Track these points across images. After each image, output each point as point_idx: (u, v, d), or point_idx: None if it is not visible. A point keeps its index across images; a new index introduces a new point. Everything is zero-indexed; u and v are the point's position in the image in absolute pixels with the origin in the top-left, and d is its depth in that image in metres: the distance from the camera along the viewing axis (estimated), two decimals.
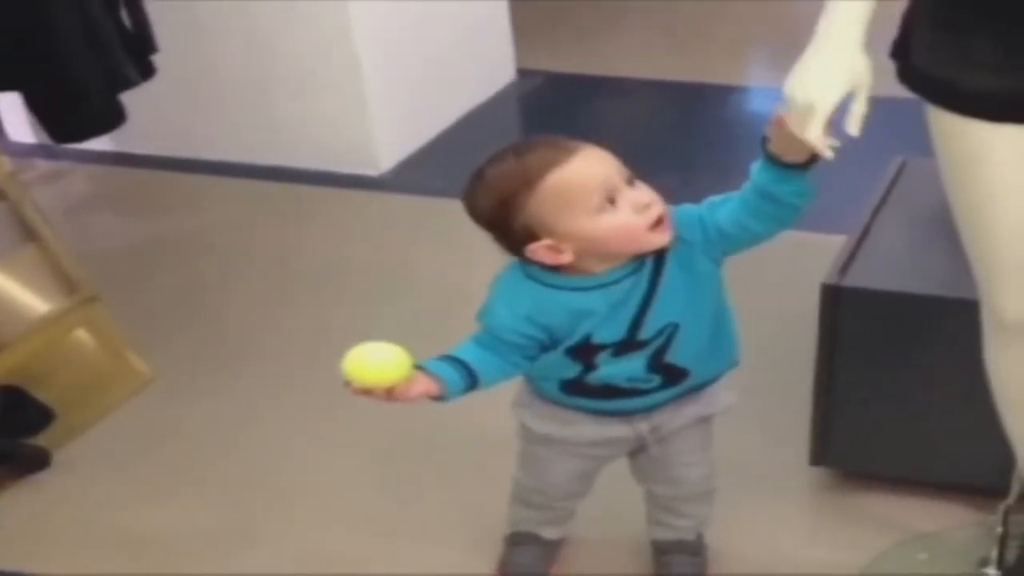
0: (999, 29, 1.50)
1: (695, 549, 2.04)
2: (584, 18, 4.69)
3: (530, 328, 1.73)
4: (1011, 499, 1.94)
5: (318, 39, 3.47)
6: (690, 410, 1.85)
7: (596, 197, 1.64)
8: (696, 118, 3.91)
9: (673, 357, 1.75)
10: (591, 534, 2.12)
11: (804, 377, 2.14)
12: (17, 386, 2.48)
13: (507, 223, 1.67)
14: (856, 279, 2.07)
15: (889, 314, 2.05)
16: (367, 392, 1.67)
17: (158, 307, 2.96)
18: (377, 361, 1.66)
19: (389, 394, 1.68)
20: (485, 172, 1.69)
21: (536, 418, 1.87)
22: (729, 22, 4.61)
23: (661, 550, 2.04)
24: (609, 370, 1.75)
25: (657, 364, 1.75)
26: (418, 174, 3.59)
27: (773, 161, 1.62)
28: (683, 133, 3.80)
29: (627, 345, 1.73)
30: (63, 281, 2.55)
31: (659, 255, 1.69)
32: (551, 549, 2.08)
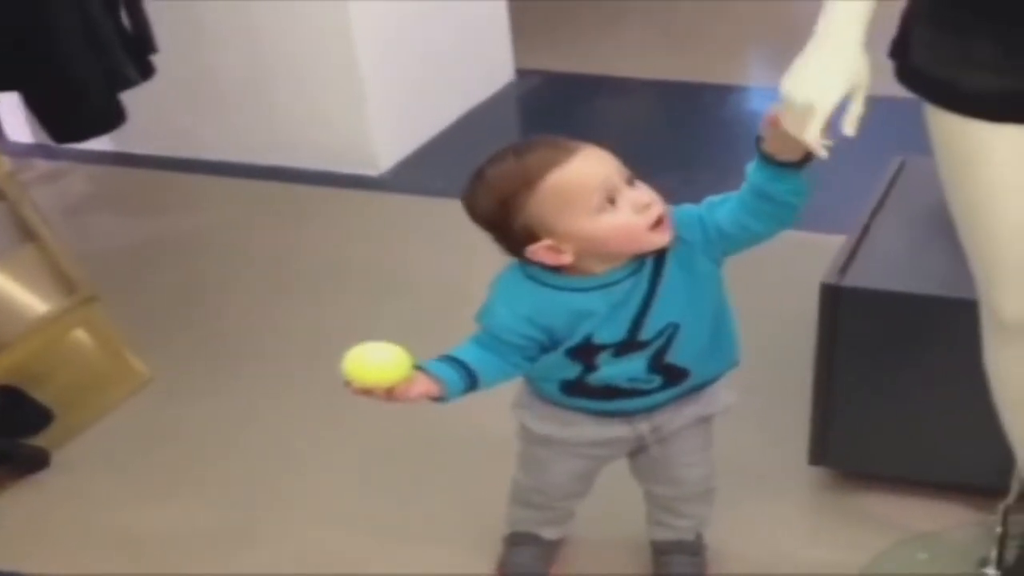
0: (999, 29, 1.50)
1: (694, 549, 2.03)
2: (583, 18, 4.69)
3: (530, 329, 1.73)
4: (1011, 499, 1.94)
5: (317, 39, 3.48)
6: (690, 410, 1.85)
7: (596, 197, 1.64)
8: (695, 118, 3.91)
9: (674, 357, 1.75)
10: (591, 534, 2.12)
11: (804, 377, 2.14)
12: (16, 386, 2.48)
13: (507, 223, 1.67)
14: (855, 279, 2.07)
15: (888, 314, 2.05)
16: (367, 392, 1.67)
17: (157, 307, 2.96)
18: (377, 361, 1.66)
19: (389, 394, 1.68)
20: (485, 172, 1.69)
21: (536, 419, 1.87)
22: (728, 22, 4.61)
23: (661, 550, 2.04)
24: (610, 371, 1.75)
25: (658, 364, 1.75)
26: (417, 174, 3.59)
27: (768, 160, 1.62)
28: (682, 133, 3.81)
29: (628, 345, 1.73)
30: (62, 281, 2.54)
31: (659, 255, 1.69)
32: (550, 549, 2.07)
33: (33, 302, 2.54)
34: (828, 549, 2.11)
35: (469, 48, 3.92)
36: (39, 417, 2.46)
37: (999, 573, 1.97)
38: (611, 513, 2.11)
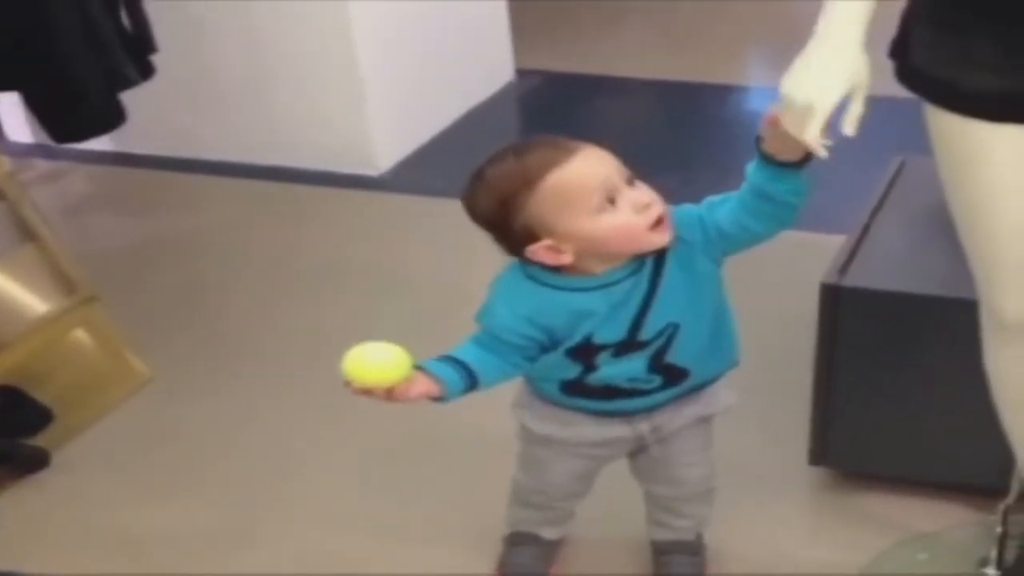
0: (999, 29, 1.50)
1: (694, 549, 2.03)
2: (583, 18, 4.69)
3: (530, 329, 1.73)
4: (1011, 499, 1.94)
5: (317, 39, 3.48)
6: (690, 410, 1.85)
7: (596, 197, 1.64)
8: (695, 118, 3.91)
9: (674, 357, 1.75)
10: (590, 534, 2.12)
11: (804, 377, 2.14)
12: (16, 386, 2.48)
13: (507, 223, 1.67)
14: (855, 279, 2.07)
15: (888, 314, 2.05)
16: (367, 392, 1.67)
17: (157, 307, 2.96)
18: (377, 361, 1.66)
19: (389, 394, 1.67)
20: (485, 172, 1.69)
21: (536, 419, 1.87)
22: (728, 22, 4.61)
23: (660, 550, 2.04)
24: (610, 371, 1.75)
25: (658, 364, 1.75)
26: (417, 174, 3.59)
27: (767, 160, 1.62)
28: (682, 133, 3.81)
29: (628, 346, 1.73)
30: (62, 281, 2.54)
31: (659, 255, 1.69)
32: (550, 549, 2.07)
33: (33, 302, 2.54)
34: (828, 549, 2.11)
35: (469, 48, 3.92)
36: (39, 417, 2.46)
37: (999, 573, 1.97)
38: (611, 513, 2.11)
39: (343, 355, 1.65)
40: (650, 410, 1.82)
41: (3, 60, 2.54)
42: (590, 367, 1.75)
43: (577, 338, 1.71)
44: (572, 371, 1.76)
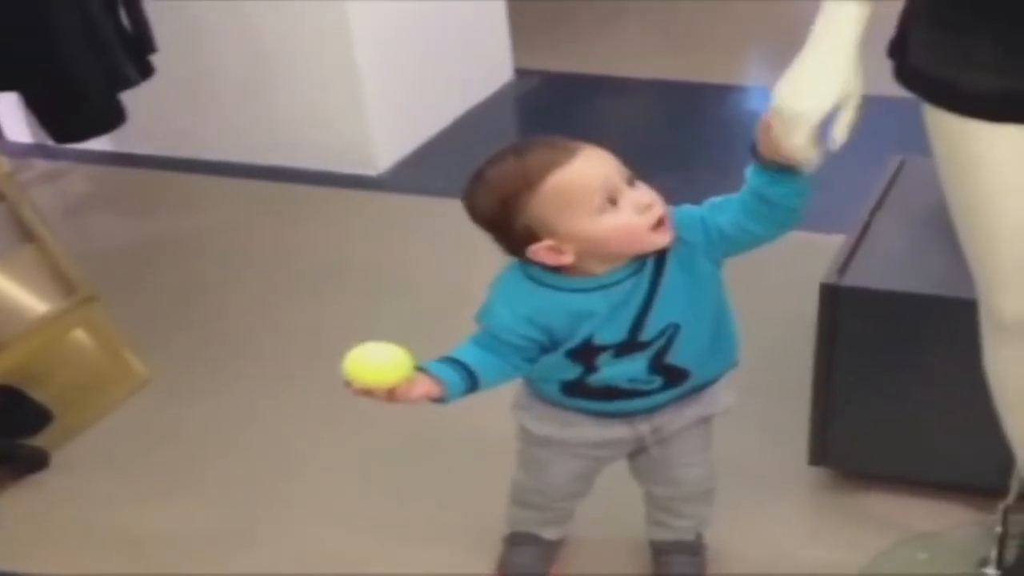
0: (999, 29, 1.50)
1: (694, 549, 2.03)
2: (582, 18, 4.69)
3: (530, 329, 1.73)
4: (1010, 499, 1.94)
5: (316, 39, 3.47)
6: (691, 411, 1.85)
7: (597, 198, 1.63)
8: (695, 117, 3.91)
9: (674, 358, 1.75)
10: (590, 534, 2.12)
11: (803, 377, 2.14)
12: (15, 387, 2.47)
13: (508, 224, 1.67)
14: (855, 279, 2.07)
15: (888, 314, 2.05)
16: (368, 393, 1.67)
17: (157, 307, 2.96)
18: (378, 362, 1.65)
19: (390, 395, 1.67)
20: (485, 173, 1.68)
21: (536, 420, 1.87)
22: (727, 21, 4.61)
23: (660, 550, 2.04)
24: (610, 372, 1.75)
25: (658, 365, 1.75)
26: (416, 174, 3.59)
27: (763, 164, 1.62)
28: (682, 133, 3.80)
29: (628, 346, 1.72)
30: (61, 281, 2.54)
31: (660, 256, 1.69)
32: (550, 549, 2.07)
33: (32, 302, 2.53)
34: (828, 549, 2.11)
35: (468, 48, 3.92)
36: (38, 417, 2.46)
37: (999, 573, 1.97)
38: (611, 513, 2.11)
39: (343, 355, 1.65)
40: (650, 411, 1.82)
41: (3, 60, 2.54)
42: (590, 368, 1.75)
43: (578, 339, 1.71)
44: (572, 372, 1.76)
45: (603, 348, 1.72)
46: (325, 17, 3.42)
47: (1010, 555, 1.97)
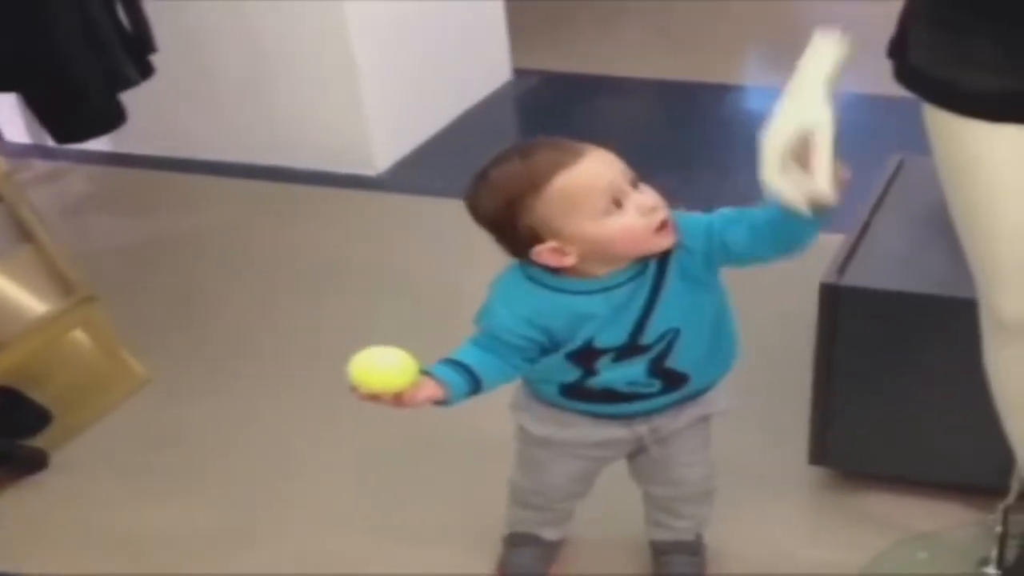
0: (999, 29, 1.50)
1: (694, 549, 2.03)
2: (580, 18, 4.69)
3: (529, 330, 1.72)
4: (1011, 498, 1.94)
5: (314, 39, 3.47)
6: (688, 412, 1.85)
7: (602, 200, 1.63)
8: (693, 117, 3.91)
9: (674, 362, 1.75)
10: (590, 534, 2.12)
11: (803, 377, 2.14)
12: (14, 387, 2.47)
13: (511, 225, 1.66)
14: (854, 278, 2.07)
15: (888, 313, 2.05)
16: (374, 398, 1.66)
17: (155, 307, 2.95)
18: (384, 366, 1.64)
19: (396, 400, 1.66)
20: (489, 173, 1.68)
21: (535, 420, 1.87)
22: (725, 21, 4.61)
23: (660, 550, 2.04)
24: (609, 375, 1.75)
25: (657, 369, 1.75)
26: (415, 174, 3.59)
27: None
28: (681, 133, 3.80)
29: (629, 350, 1.72)
30: (60, 282, 2.54)
31: (662, 261, 1.69)
32: (550, 550, 2.07)
33: (31, 303, 2.53)
34: (828, 549, 2.11)
35: (466, 48, 3.92)
36: (37, 418, 2.46)
37: (999, 573, 1.97)
38: (611, 513, 2.11)
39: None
40: (649, 414, 1.82)
41: (3, 60, 2.54)
42: (590, 371, 1.75)
43: (579, 342, 1.71)
44: (572, 374, 1.76)
45: (604, 351, 1.72)
46: (324, 17, 3.42)
47: (1010, 555, 1.97)
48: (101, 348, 2.62)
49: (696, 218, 1.71)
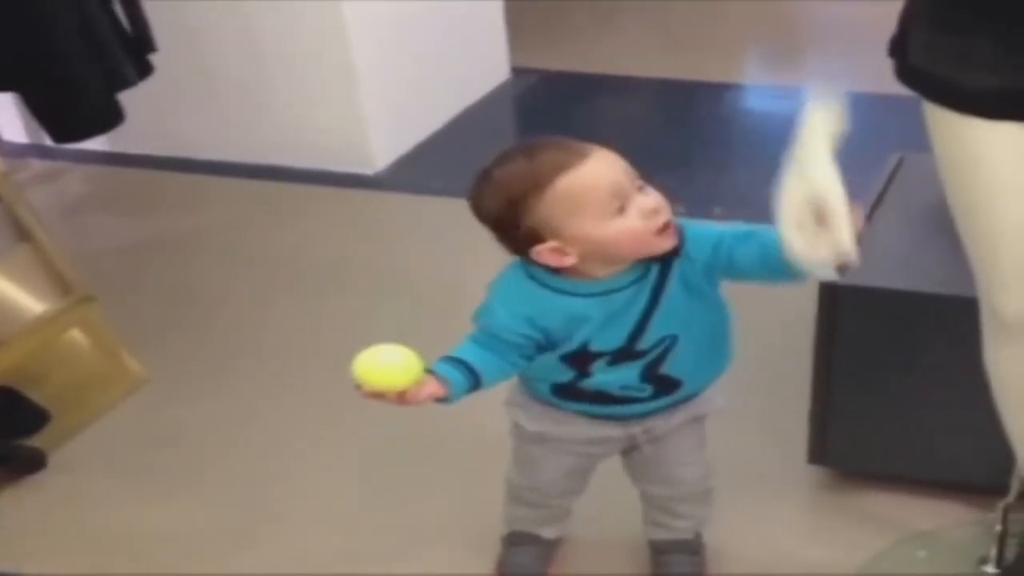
0: (999, 29, 1.50)
1: (693, 548, 2.03)
2: (579, 17, 4.69)
3: (528, 328, 1.72)
4: (1010, 497, 1.94)
5: (313, 39, 3.47)
6: (682, 413, 1.85)
7: (606, 202, 1.62)
8: (692, 116, 3.91)
9: (668, 368, 1.75)
10: (589, 534, 2.12)
11: (803, 377, 2.14)
12: (12, 387, 2.47)
13: (514, 224, 1.66)
14: (854, 277, 2.05)
15: (887, 312, 2.05)
16: (379, 396, 1.65)
17: (154, 307, 2.95)
18: (389, 364, 1.63)
19: (401, 398, 1.66)
20: (493, 173, 1.67)
21: (530, 417, 1.87)
22: (723, 21, 4.61)
23: (659, 550, 2.04)
24: (603, 378, 1.75)
25: (651, 374, 1.75)
26: (413, 173, 3.59)
27: None
28: (681, 132, 3.80)
29: (624, 354, 1.72)
30: (58, 281, 2.54)
31: (665, 266, 1.69)
32: (549, 549, 2.07)
33: (29, 303, 2.53)
34: (827, 549, 2.10)
35: (465, 47, 3.92)
36: (35, 418, 2.46)
37: (999, 572, 1.97)
38: (610, 513, 2.11)
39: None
40: (641, 416, 1.82)
41: (2, 60, 2.54)
42: (584, 373, 1.75)
43: (575, 344, 1.71)
44: (565, 375, 1.76)
45: (599, 355, 1.72)
46: (323, 17, 3.42)
47: (1010, 553, 1.97)
48: (99, 348, 2.62)
49: (707, 229, 1.70)
